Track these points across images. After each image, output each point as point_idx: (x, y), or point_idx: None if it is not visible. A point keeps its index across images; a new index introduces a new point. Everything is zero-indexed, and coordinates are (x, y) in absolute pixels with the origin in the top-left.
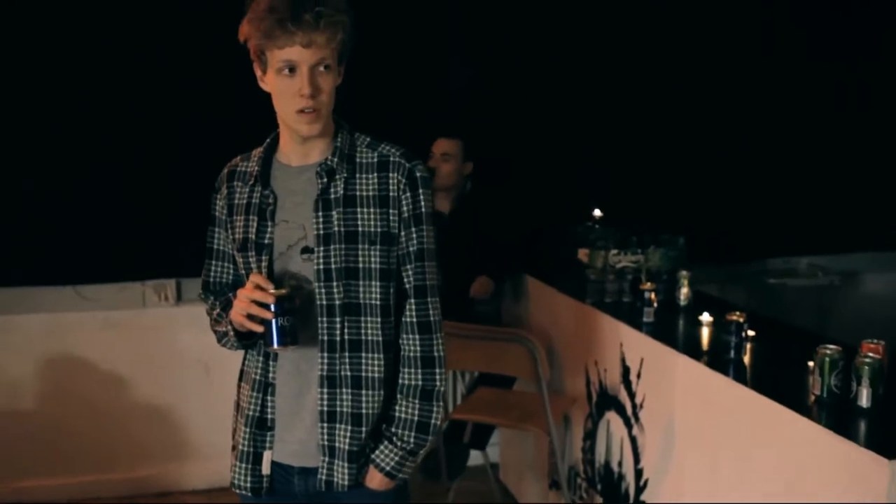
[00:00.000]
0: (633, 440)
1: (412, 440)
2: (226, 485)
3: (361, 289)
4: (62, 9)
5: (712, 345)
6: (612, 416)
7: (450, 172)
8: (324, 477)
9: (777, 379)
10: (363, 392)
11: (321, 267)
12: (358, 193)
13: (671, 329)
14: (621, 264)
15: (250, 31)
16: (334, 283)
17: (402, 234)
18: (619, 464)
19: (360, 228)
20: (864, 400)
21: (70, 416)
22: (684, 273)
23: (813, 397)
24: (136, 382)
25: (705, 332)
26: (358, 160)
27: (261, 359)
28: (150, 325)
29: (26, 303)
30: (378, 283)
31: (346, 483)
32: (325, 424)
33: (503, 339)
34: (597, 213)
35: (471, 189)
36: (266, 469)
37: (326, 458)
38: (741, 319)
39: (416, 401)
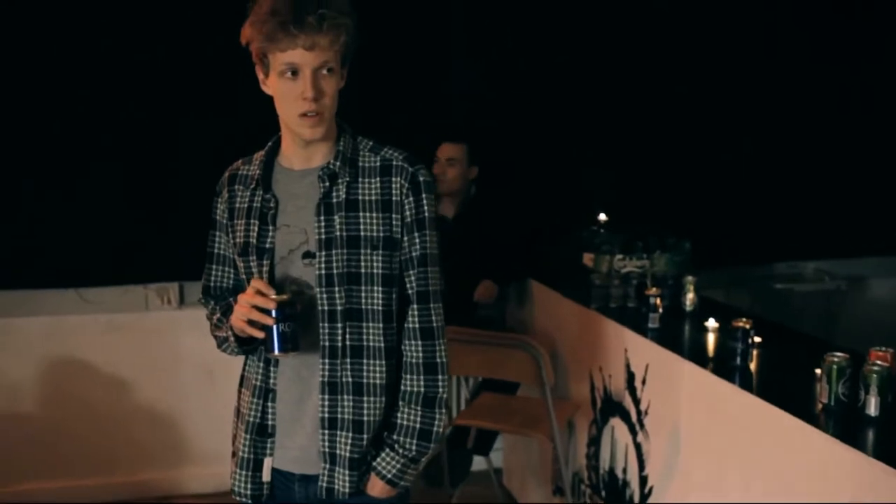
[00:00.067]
0: (638, 447)
1: (414, 447)
2: (228, 489)
3: (363, 294)
4: (62, 9)
5: (718, 351)
6: (616, 423)
7: (455, 177)
8: (324, 484)
9: (784, 386)
10: (364, 399)
11: (323, 272)
12: (360, 198)
13: (677, 335)
14: (626, 269)
15: (252, 34)
16: (336, 289)
17: (405, 238)
18: (624, 470)
19: (362, 233)
20: (873, 409)
21: (71, 419)
22: (690, 278)
23: (820, 405)
24: (138, 386)
25: (711, 339)
26: (361, 164)
27: (261, 364)
28: (153, 329)
29: (28, 305)
30: (380, 289)
31: (346, 490)
32: (326, 431)
33: (507, 344)
34: (602, 217)
35: (475, 193)
36: (266, 476)
37: (327, 465)
38: (747, 326)
39: (419, 408)
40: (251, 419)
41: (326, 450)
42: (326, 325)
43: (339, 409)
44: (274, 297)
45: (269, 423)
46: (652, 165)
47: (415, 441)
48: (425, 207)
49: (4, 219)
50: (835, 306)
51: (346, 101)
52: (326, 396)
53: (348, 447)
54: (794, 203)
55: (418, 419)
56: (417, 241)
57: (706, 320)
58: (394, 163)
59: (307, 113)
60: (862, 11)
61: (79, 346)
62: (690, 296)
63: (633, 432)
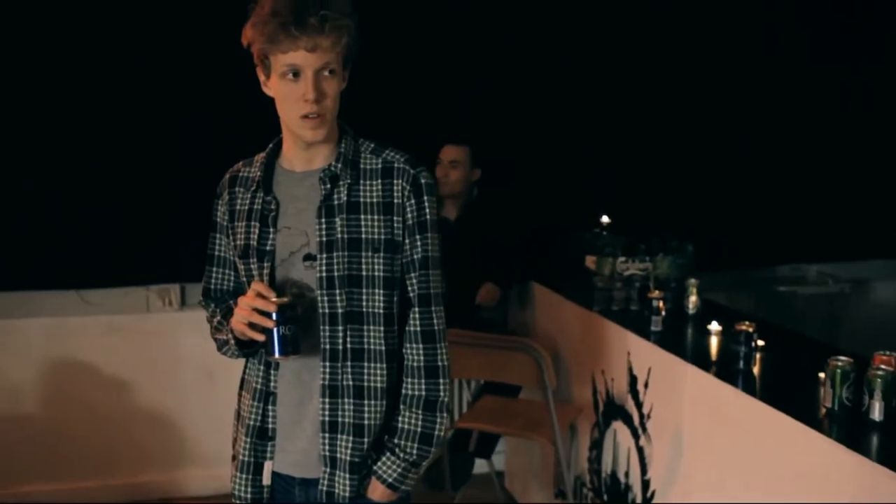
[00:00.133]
0: (640, 450)
1: (415, 452)
2: (228, 492)
3: (364, 297)
4: (62, 9)
5: (721, 355)
6: (618, 426)
7: (458, 179)
8: (325, 488)
9: (787, 390)
10: (365, 402)
11: (324, 274)
12: (362, 200)
13: (679, 338)
14: (629, 272)
15: (254, 36)
16: (337, 291)
17: (407, 241)
18: (626, 474)
19: (363, 235)
20: (877, 413)
21: (72, 420)
22: (693, 281)
23: (824, 410)
24: (139, 387)
25: (714, 342)
26: (362, 166)
27: (262, 368)
28: (154, 330)
29: (29, 307)
30: (381, 292)
31: (347, 494)
32: (327, 435)
33: (509, 347)
34: (604, 219)
35: (477, 195)
36: (267, 480)
37: (328, 469)
38: (751, 329)
39: (420, 411)
40: (251, 423)
41: (327, 453)
42: (327, 327)
43: (340, 413)
44: (274, 299)
45: (270, 426)
46: (655, 167)
47: (416, 445)
48: (427, 210)
49: (5, 219)
50: (838, 309)
51: (349, 102)
52: (327, 400)
53: (349, 451)
54: (798, 205)
55: (419, 423)
56: (419, 243)
57: (709, 323)
58: (395, 165)
59: (309, 115)
60: (862, 11)
61: (79, 348)
62: (693, 298)
63: (636, 436)
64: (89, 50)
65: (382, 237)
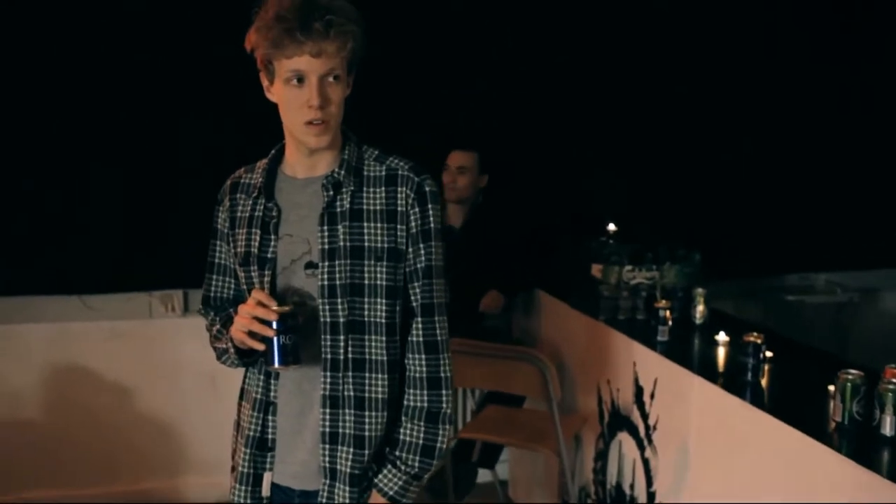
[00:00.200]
0: (646, 462)
1: (417, 464)
2: (229, 500)
3: (367, 306)
4: (62, 9)
5: (728, 366)
6: (624, 437)
7: (465, 185)
8: (324, 500)
9: (796, 404)
10: (366, 413)
11: (325, 283)
12: (365, 207)
13: (686, 349)
14: (635, 280)
15: (257, 41)
16: (339, 300)
17: (410, 250)
18: (631, 486)
19: (366, 244)
20: (888, 428)
21: (73, 426)
22: (700, 290)
23: (833, 424)
24: (141, 393)
25: (721, 353)
26: (365, 173)
27: (262, 377)
28: (156, 336)
29: (31, 312)
30: (384, 301)
31: None
32: (327, 446)
33: (513, 357)
34: (611, 227)
35: (482, 201)
36: (266, 491)
37: (327, 481)
38: (759, 341)
39: (422, 423)
40: (251, 433)
41: (327, 465)
42: (328, 337)
43: (341, 424)
44: (275, 308)
45: (270, 436)
46: (662, 176)
47: (417, 457)
48: (431, 218)
49: (8, 224)
50: (847, 319)
51: (352, 108)
52: (328, 410)
53: (349, 462)
54: (806, 214)
55: (421, 435)
56: (423, 252)
57: (716, 333)
58: (399, 172)
59: (313, 121)
60: (863, 11)
61: (81, 353)
62: (700, 308)
63: (641, 447)
64: (89, 50)
65: (385, 245)
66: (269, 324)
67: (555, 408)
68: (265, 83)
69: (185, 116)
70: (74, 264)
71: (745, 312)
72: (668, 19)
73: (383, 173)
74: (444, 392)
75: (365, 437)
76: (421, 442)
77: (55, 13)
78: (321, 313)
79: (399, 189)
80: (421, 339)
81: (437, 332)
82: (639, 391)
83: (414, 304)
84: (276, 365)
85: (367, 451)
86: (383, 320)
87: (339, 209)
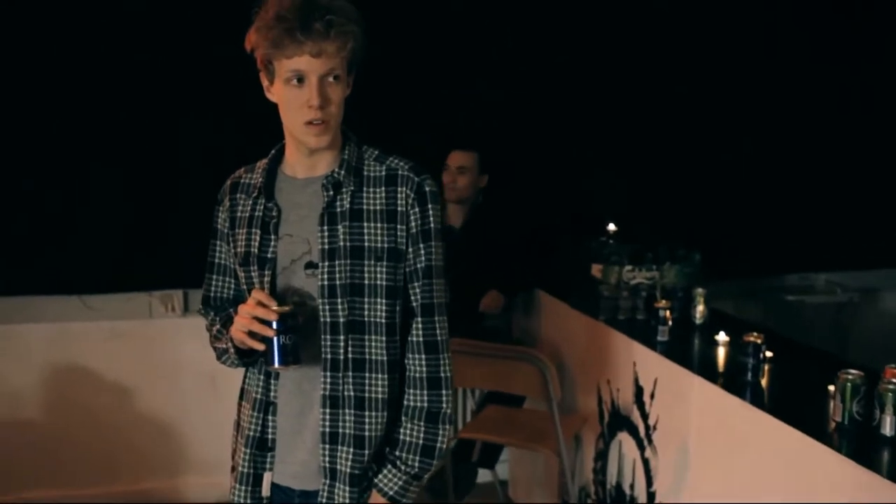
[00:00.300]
0: (646, 462)
1: (417, 464)
2: (229, 500)
3: (366, 306)
4: (62, 9)
5: (729, 366)
6: (624, 437)
7: (466, 185)
8: (324, 500)
9: (796, 404)
10: (366, 413)
11: (325, 283)
12: (365, 207)
13: (686, 349)
14: (635, 280)
15: (258, 40)
16: (339, 300)
17: (410, 250)
18: (631, 486)
19: (366, 244)
20: (888, 428)
21: (74, 426)
22: (700, 290)
23: (833, 424)
24: (141, 393)
25: (721, 353)
26: (365, 173)
27: (262, 377)
28: (157, 336)
29: (31, 312)
30: (384, 301)
31: None
32: (327, 446)
33: (513, 357)
34: (611, 227)
35: (482, 201)
36: (266, 491)
37: (327, 481)
38: (759, 341)
39: (422, 423)
40: (251, 433)
41: (327, 465)
42: (328, 337)
43: (341, 424)
44: (275, 308)
45: (270, 436)
46: (662, 176)
47: (417, 457)
48: (431, 218)
49: (8, 224)
50: (847, 319)
51: (354, 109)
52: (328, 410)
53: (349, 463)
54: (806, 213)
55: (421, 435)
56: (423, 252)
57: (716, 333)
58: (399, 172)
59: (313, 121)
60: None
61: (81, 353)
62: (700, 308)
63: (641, 447)
64: (89, 50)
65: (385, 245)
66: (269, 324)
67: (555, 408)
68: (265, 83)
69: (184, 116)
70: (74, 264)
71: (745, 312)
72: (668, 19)
73: (383, 173)
74: (444, 392)
75: (365, 437)
76: (421, 442)
77: (55, 13)
78: (321, 313)
79: (399, 189)
80: (421, 339)
81: (437, 332)
82: (639, 391)
83: (414, 304)
84: (276, 365)
85: (367, 451)
86: (383, 320)
87: (339, 209)
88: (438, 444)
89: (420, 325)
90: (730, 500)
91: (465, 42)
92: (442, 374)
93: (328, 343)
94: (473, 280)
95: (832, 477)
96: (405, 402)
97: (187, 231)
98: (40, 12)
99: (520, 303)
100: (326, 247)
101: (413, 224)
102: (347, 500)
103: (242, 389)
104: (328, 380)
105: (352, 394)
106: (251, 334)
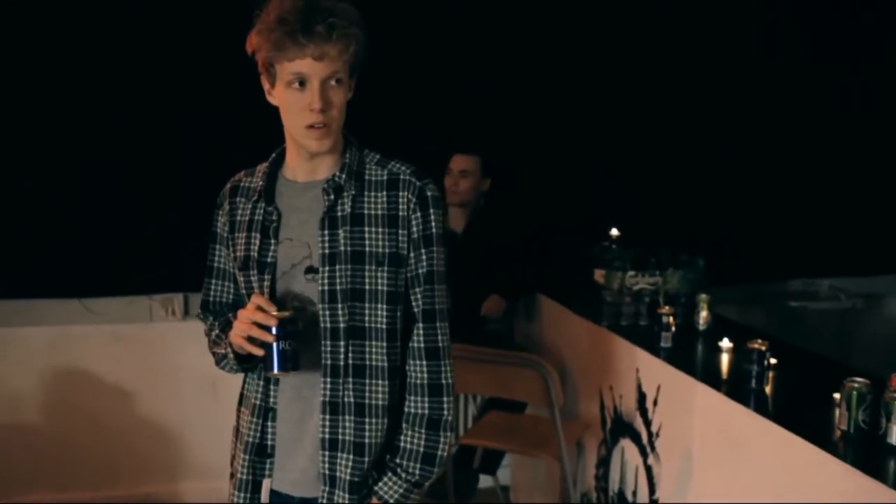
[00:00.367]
0: (649, 469)
1: (417, 472)
2: None
3: (367, 312)
4: (62, 9)
5: (732, 373)
6: (626, 444)
7: (468, 189)
8: None
9: (801, 412)
10: (367, 420)
11: (326, 288)
12: (366, 212)
13: (689, 355)
14: (638, 286)
15: (259, 43)
16: (339, 306)
17: (412, 255)
18: (634, 493)
19: (367, 248)
20: (895, 437)
21: (74, 430)
22: (703, 296)
23: (839, 433)
24: (142, 397)
25: (725, 360)
26: (367, 177)
27: (261, 383)
28: (157, 340)
29: (32, 315)
30: (385, 306)
31: None
32: (327, 453)
33: (515, 363)
34: (614, 232)
35: (483, 205)
36: (265, 498)
37: (327, 488)
38: (763, 348)
39: (423, 430)
40: (250, 439)
41: (326, 472)
42: (329, 342)
43: (341, 430)
44: (275, 313)
45: (269, 443)
46: (665, 180)
47: (418, 465)
48: (433, 223)
49: (9, 227)
50: (850, 325)
51: (356, 112)
52: (328, 417)
53: (349, 469)
54: (809, 219)
55: (422, 442)
56: (424, 257)
57: (720, 340)
58: (401, 177)
59: (314, 125)
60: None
61: (82, 357)
62: (704, 314)
63: (644, 454)
64: (89, 50)
65: (387, 250)
66: (268, 329)
67: (557, 414)
68: (266, 86)
69: (186, 120)
70: (75, 267)
71: (748, 318)
72: (671, 20)
73: (385, 177)
74: (445, 399)
75: (365, 443)
76: (422, 449)
77: (55, 13)
78: (321, 318)
79: (401, 193)
80: (422, 345)
81: (439, 338)
82: (641, 398)
83: (415, 309)
84: (276, 371)
85: (367, 459)
86: (384, 326)
87: (339, 213)
88: (439, 452)
89: (421, 331)
90: None
91: (467, 45)
92: (443, 381)
93: (328, 349)
94: (475, 284)
95: (838, 486)
96: (406, 409)
97: (188, 234)
98: (40, 12)
99: (522, 307)
100: (327, 251)
101: (415, 229)
102: None
103: (241, 395)
104: (328, 386)
105: (352, 400)
106: (250, 339)
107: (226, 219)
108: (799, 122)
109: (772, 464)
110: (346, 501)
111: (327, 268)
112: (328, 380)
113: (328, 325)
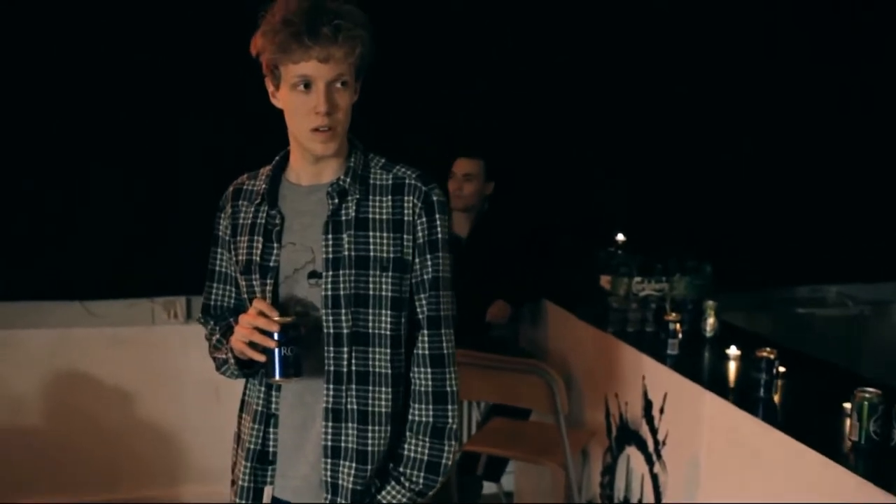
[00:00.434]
0: (655, 478)
1: (421, 481)
2: None
3: (371, 317)
4: (62, 9)
5: (740, 381)
6: (632, 452)
7: (472, 193)
8: None
9: (810, 421)
10: (370, 427)
11: (329, 293)
12: (370, 216)
13: (696, 362)
14: (645, 292)
15: (264, 45)
16: (342, 311)
17: (417, 261)
18: (639, 502)
19: (371, 253)
20: None
21: (75, 433)
22: (710, 303)
23: (849, 443)
24: (143, 400)
25: (732, 367)
26: (372, 182)
27: (262, 389)
28: (159, 343)
29: (33, 317)
30: (389, 312)
31: None
32: (329, 460)
33: (520, 369)
34: (620, 237)
35: (488, 209)
36: None
37: (329, 496)
38: (772, 356)
39: (427, 439)
40: (252, 446)
41: (329, 479)
42: (332, 348)
43: (343, 438)
44: (277, 318)
45: (270, 449)
46: (672, 186)
47: (422, 474)
48: (438, 228)
49: (11, 229)
50: (858, 332)
51: (360, 115)
52: (330, 424)
53: (351, 477)
54: (817, 224)
55: (426, 451)
56: (429, 263)
57: (727, 347)
58: (406, 181)
59: (320, 128)
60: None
61: (83, 360)
62: (711, 321)
63: (650, 462)
64: (89, 50)
65: (391, 255)
66: (270, 334)
67: (562, 421)
68: (270, 88)
69: (188, 122)
70: (77, 270)
71: (756, 325)
72: (675, 21)
73: (390, 182)
74: (449, 407)
75: (368, 451)
76: (426, 458)
77: (55, 13)
78: (324, 324)
79: (406, 198)
80: (427, 352)
81: (444, 345)
82: (648, 405)
83: (420, 316)
84: (277, 377)
85: (369, 467)
86: (388, 332)
87: (344, 217)
88: (444, 461)
89: (426, 338)
90: None
91: (472, 48)
92: (448, 389)
93: (331, 355)
94: (480, 289)
95: (848, 498)
96: (410, 417)
97: (190, 237)
98: (40, 12)
99: (527, 313)
100: (331, 256)
101: (420, 234)
102: None
103: (243, 401)
104: (331, 392)
105: (355, 407)
106: (252, 345)
107: (228, 222)
108: (807, 128)
109: (781, 474)
110: None
111: (331, 273)
112: (331, 386)
113: (331, 330)
